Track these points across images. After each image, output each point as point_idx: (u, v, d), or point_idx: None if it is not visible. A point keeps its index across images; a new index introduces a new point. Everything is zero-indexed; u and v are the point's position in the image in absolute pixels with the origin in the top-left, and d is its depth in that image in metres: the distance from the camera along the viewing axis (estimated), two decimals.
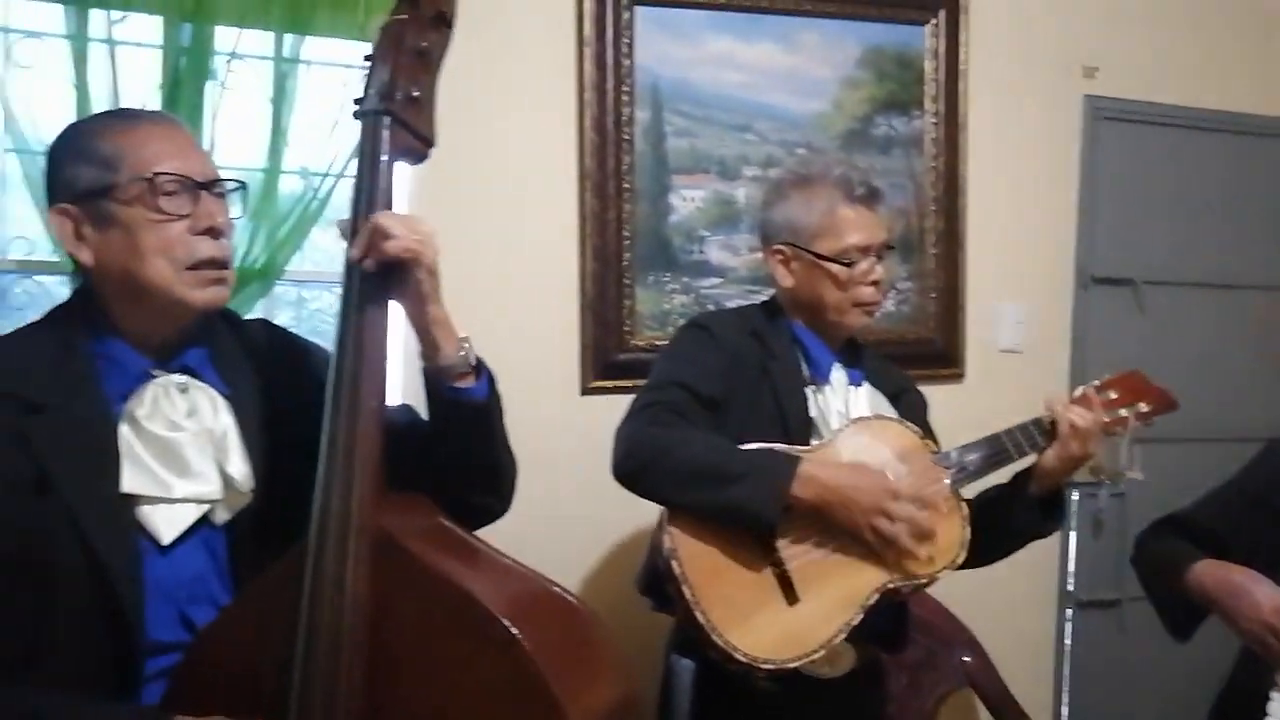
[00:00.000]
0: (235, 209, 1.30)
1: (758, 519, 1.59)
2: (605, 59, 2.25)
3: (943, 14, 2.57)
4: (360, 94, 1.24)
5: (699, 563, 1.60)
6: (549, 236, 2.27)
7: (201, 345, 1.29)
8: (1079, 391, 1.79)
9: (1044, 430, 1.74)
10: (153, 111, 1.37)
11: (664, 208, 2.34)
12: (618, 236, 2.28)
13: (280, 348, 1.40)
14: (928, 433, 1.86)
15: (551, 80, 2.26)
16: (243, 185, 1.33)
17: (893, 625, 1.78)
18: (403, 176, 2.16)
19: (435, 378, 1.24)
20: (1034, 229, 2.76)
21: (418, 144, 1.24)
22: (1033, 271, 2.76)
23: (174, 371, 1.26)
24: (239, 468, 1.25)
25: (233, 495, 1.25)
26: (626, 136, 2.27)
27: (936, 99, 2.57)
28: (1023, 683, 2.60)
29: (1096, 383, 1.80)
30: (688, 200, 2.35)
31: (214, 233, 1.23)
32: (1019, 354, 2.73)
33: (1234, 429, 2.65)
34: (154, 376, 1.24)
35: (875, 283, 1.77)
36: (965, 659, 2.50)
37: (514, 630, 1.07)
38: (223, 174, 1.29)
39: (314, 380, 1.28)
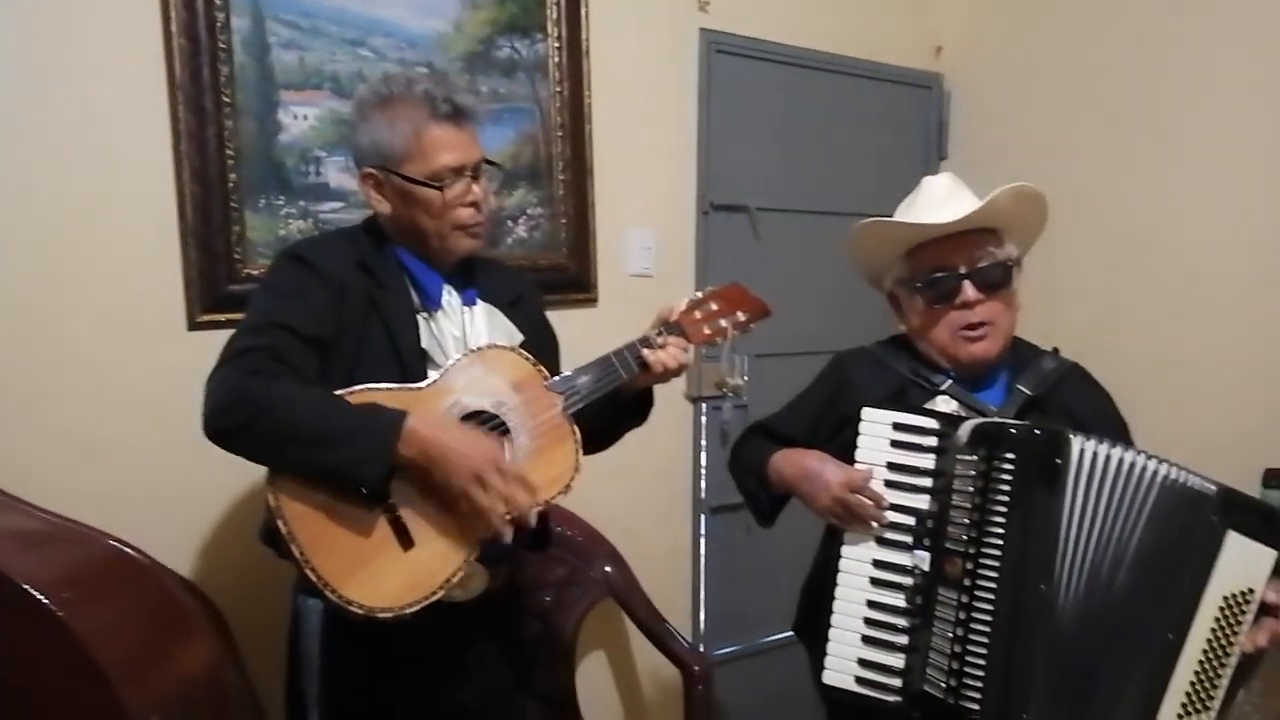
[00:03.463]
0: None
1: (362, 483, 1.52)
2: None
3: None
4: None
5: (307, 518, 1.53)
6: (138, 155, 2.02)
7: None
8: (684, 302, 1.88)
9: (651, 346, 1.80)
10: None
11: (273, 126, 2.16)
12: (220, 156, 2.07)
13: None
14: (543, 332, 1.89)
15: None
16: None
17: (533, 530, 1.79)
18: None
19: None
20: (658, 157, 2.85)
21: None
22: (659, 198, 2.87)
23: None
24: None
25: None
26: (223, 45, 2.05)
27: (559, 23, 2.56)
28: (663, 588, 2.76)
29: (699, 294, 1.90)
30: (299, 118, 2.18)
31: None
32: (649, 278, 2.84)
33: (835, 342, 2.93)
34: None
35: (475, 204, 1.73)
36: (607, 570, 2.60)
37: (56, 607, 0.94)
38: None
39: None
